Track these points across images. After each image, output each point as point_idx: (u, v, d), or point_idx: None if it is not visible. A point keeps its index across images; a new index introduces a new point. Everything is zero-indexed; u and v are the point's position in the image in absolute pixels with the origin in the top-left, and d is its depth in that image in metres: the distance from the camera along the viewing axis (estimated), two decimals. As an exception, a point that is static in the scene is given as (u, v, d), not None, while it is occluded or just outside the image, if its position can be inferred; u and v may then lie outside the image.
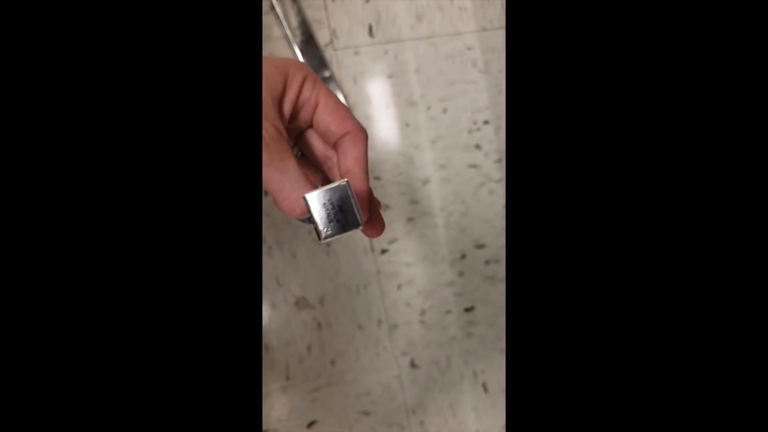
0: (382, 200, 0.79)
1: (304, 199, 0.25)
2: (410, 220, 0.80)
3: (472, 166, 0.82)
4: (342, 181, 0.25)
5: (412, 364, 0.82)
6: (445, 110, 0.80)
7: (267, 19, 0.74)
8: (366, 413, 0.80)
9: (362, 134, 0.29)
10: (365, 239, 0.79)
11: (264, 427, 0.77)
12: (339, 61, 0.76)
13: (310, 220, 0.27)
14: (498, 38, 0.81)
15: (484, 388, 0.84)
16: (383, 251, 0.79)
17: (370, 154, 0.78)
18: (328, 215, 0.25)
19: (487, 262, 0.83)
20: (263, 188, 0.27)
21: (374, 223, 0.30)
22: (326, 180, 0.33)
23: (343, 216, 0.26)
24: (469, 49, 0.80)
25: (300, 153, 0.33)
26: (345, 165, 0.28)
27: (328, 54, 0.76)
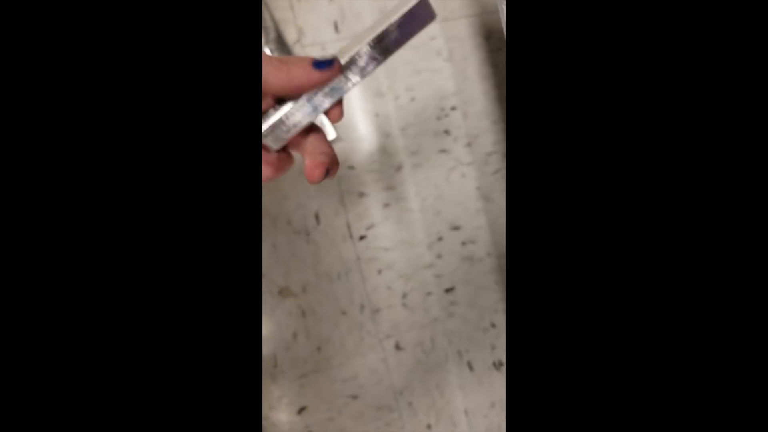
0: (357, 188, 0.82)
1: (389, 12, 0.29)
2: (386, 206, 0.83)
3: (443, 151, 0.84)
4: None
5: (397, 347, 0.84)
6: (412, 99, 0.83)
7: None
8: (354, 397, 0.82)
9: None
10: (343, 228, 0.81)
11: (255, 415, 0.79)
12: (307, 57, 0.80)
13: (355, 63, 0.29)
14: (460, 27, 0.85)
15: (470, 366, 0.86)
16: (362, 237, 0.82)
17: (343, 145, 0.81)
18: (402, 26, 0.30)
19: (463, 243, 0.86)
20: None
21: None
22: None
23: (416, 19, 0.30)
24: (432, 39, 0.84)
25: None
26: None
27: (297, 51, 0.79)
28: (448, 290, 0.85)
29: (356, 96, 0.82)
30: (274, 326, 0.80)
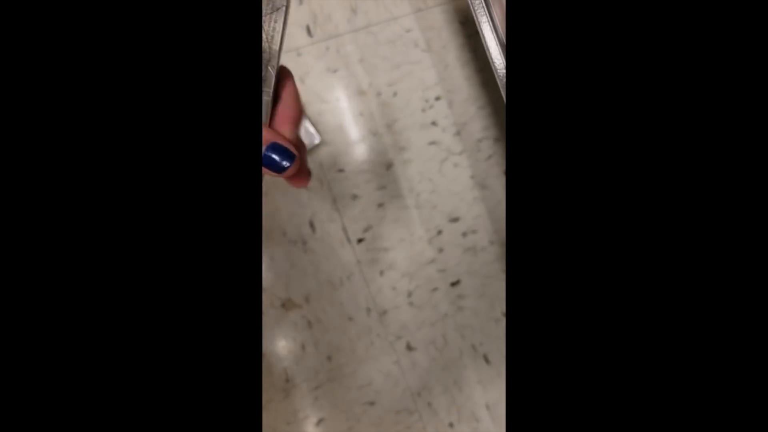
0: (349, 191, 0.80)
1: None
2: (380, 205, 0.81)
3: (432, 143, 0.83)
4: None
5: (409, 347, 0.82)
6: (395, 94, 0.82)
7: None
8: (371, 403, 0.80)
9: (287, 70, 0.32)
10: (339, 232, 0.80)
11: (272, 432, 0.77)
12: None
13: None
14: (435, 16, 0.83)
15: (486, 359, 0.84)
16: (360, 240, 0.80)
17: (329, 149, 0.79)
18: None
19: (464, 234, 0.84)
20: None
21: (302, 172, 0.31)
22: None
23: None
24: (407, 31, 0.82)
25: None
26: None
27: (272, 60, 0.78)
28: (454, 284, 0.83)
29: (337, 97, 0.80)
30: (282, 340, 0.78)
